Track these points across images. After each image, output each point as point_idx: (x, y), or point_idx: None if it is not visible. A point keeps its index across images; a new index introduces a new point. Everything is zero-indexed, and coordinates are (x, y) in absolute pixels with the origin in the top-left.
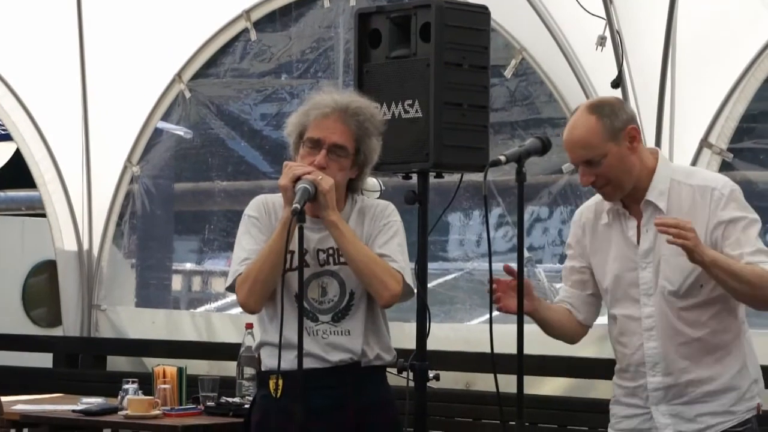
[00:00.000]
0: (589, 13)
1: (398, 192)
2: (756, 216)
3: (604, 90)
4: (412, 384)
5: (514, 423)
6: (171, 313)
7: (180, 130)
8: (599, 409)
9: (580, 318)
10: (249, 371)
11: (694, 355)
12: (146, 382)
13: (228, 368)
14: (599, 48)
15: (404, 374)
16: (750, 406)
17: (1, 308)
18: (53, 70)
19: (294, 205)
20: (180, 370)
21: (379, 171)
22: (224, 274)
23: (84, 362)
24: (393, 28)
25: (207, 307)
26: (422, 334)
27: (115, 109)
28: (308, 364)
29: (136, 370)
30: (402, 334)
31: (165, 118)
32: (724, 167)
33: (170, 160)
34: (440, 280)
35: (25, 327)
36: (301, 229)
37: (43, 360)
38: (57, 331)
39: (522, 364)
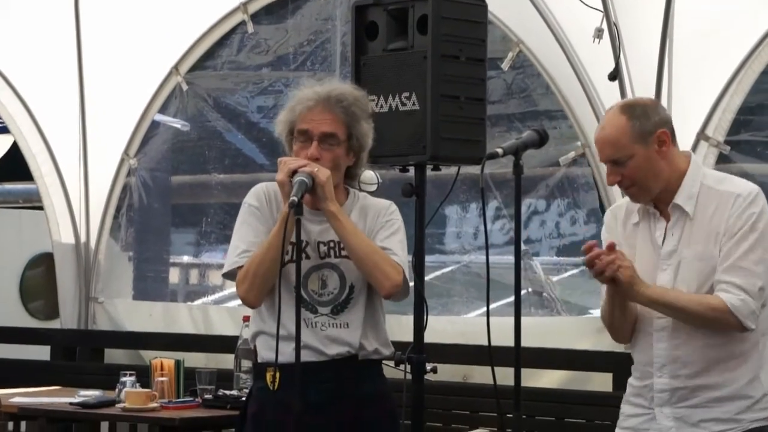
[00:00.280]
0: (586, 5)
1: (395, 185)
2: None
3: (602, 82)
4: (409, 377)
5: (511, 415)
6: (168, 306)
7: (177, 123)
8: (596, 402)
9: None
10: (246, 364)
11: (704, 361)
12: (144, 375)
13: (225, 361)
14: (596, 40)
15: (402, 367)
16: (759, 416)
17: None
18: (50, 62)
19: (291, 198)
20: (177, 363)
21: (376, 164)
22: (221, 266)
23: (81, 355)
24: (390, 21)
25: (204, 299)
26: (419, 327)
27: (112, 102)
28: (306, 357)
29: (134, 363)
30: (399, 326)
31: (162, 110)
32: (721, 160)
33: (167, 152)
34: (437, 273)
35: (22, 319)
36: (298, 222)
37: (41, 352)
38: (54, 324)
39: (519, 356)
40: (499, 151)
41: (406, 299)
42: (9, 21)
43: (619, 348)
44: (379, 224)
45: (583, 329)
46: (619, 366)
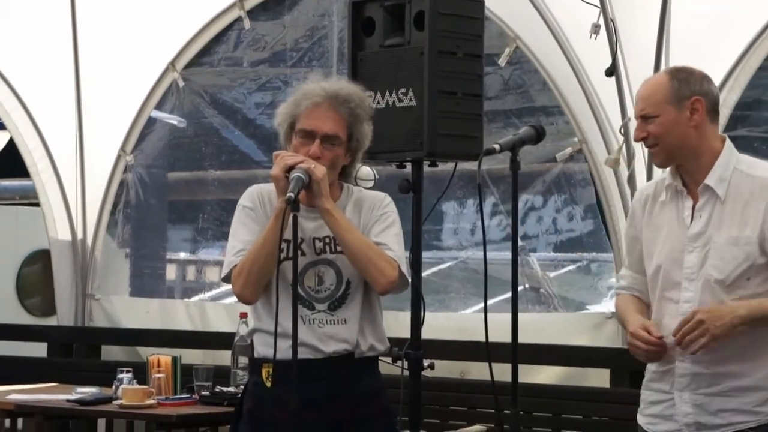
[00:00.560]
0: (583, 0)
1: (392, 181)
2: None
3: (599, 78)
4: (406, 373)
5: (508, 412)
6: (165, 303)
7: (173, 119)
8: (594, 398)
9: (648, 301)
10: (243, 360)
11: (728, 348)
12: (141, 372)
13: (222, 357)
14: (593, 36)
15: (399, 363)
16: None
17: None
18: (46, 58)
19: (288, 195)
20: (174, 360)
21: (373, 160)
22: (218, 263)
23: (78, 352)
24: (387, 17)
25: (201, 296)
26: (417, 323)
27: (108, 98)
28: (303, 354)
29: (131, 360)
30: (396, 323)
31: (158, 107)
32: None
33: (164, 149)
34: (435, 269)
35: (19, 316)
36: (295, 218)
37: (38, 349)
38: (51, 321)
39: (516, 352)
40: (496, 147)
41: (404, 295)
42: (5, 18)
43: (616, 344)
44: (373, 218)
45: (580, 325)
46: (616, 362)
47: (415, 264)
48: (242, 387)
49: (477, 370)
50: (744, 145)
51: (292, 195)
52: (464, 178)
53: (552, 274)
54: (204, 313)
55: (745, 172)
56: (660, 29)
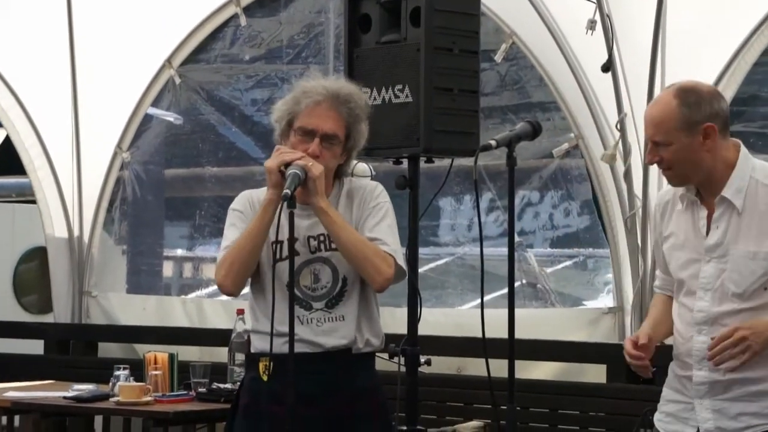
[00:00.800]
0: None
1: (389, 177)
2: None
3: (595, 74)
4: (403, 369)
5: (505, 407)
6: (162, 300)
7: (170, 116)
8: (590, 393)
9: None
10: (240, 357)
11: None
12: (137, 369)
13: (219, 354)
14: (589, 32)
15: (396, 359)
16: None
17: None
18: (43, 56)
19: (285, 191)
20: (171, 357)
21: (370, 156)
22: (215, 260)
23: (75, 349)
24: (383, 13)
25: (198, 293)
26: (413, 319)
27: (104, 95)
28: (300, 348)
29: (128, 357)
30: (393, 319)
31: (155, 104)
32: None
33: (160, 146)
34: (431, 265)
35: (15, 314)
36: (291, 215)
37: (34, 347)
38: (48, 318)
39: (513, 348)
40: (493, 143)
41: (401, 291)
42: (2, 16)
43: (612, 339)
44: (366, 211)
45: (577, 321)
46: (612, 357)
47: (412, 260)
48: (239, 384)
49: (474, 366)
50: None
51: (288, 191)
52: (461, 174)
53: (548, 270)
54: (201, 310)
55: (762, 181)
56: (656, 25)
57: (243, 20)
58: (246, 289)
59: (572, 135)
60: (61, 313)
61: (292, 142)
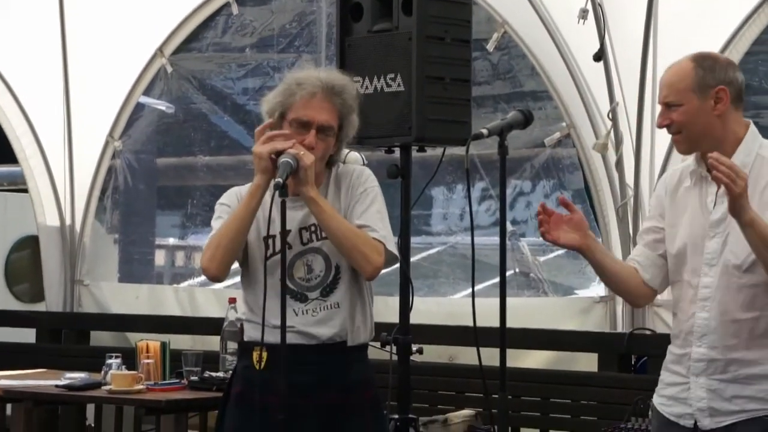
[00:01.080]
0: None
1: (381, 166)
2: None
3: (587, 63)
4: (395, 358)
5: (497, 396)
6: (154, 288)
7: (162, 105)
8: (582, 382)
9: (646, 277)
10: (232, 346)
11: (744, 335)
12: (129, 357)
13: (211, 343)
14: (581, 21)
15: (387, 348)
16: None
17: None
18: (34, 44)
19: (277, 180)
20: (163, 345)
21: (362, 145)
22: None
23: (67, 337)
24: (375, 2)
25: (190, 282)
26: (405, 309)
27: (96, 84)
28: (296, 340)
29: (120, 345)
30: (385, 307)
31: (147, 92)
32: None
33: (152, 134)
34: (424, 254)
35: (7, 302)
36: (283, 204)
37: (26, 335)
38: (40, 307)
39: (505, 337)
40: (484, 131)
41: (393, 280)
42: None
43: (604, 328)
44: (354, 198)
45: (569, 310)
46: (604, 346)
47: (404, 249)
48: (231, 372)
49: (466, 355)
50: None
51: (280, 180)
52: (453, 164)
53: (541, 259)
54: (193, 299)
55: (767, 158)
56: (648, 14)
57: (235, 9)
58: (236, 279)
59: (564, 124)
60: (53, 301)
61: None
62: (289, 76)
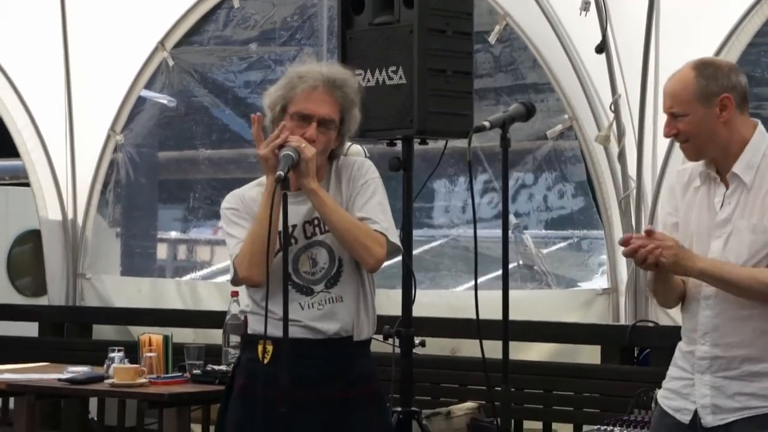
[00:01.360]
0: None
1: (383, 159)
2: None
3: (589, 55)
4: (398, 350)
5: (499, 388)
6: (156, 282)
7: (163, 99)
8: (584, 375)
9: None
10: (235, 339)
11: (747, 332)
12: (132, 351)
13: (214, 336)
14: (583, 13)
15: (390, 341)
16: None
17: None
18: (35, 37)
19: (278, 173)
20: (166, 339)
21: (364, 138)
22: (209, 242)
23: (69, 331)
24: None
25: (192, 275)
26: (408, 301)
27: (98, 78)
28: (302, 334)
29: (122, 339)
30: (388, 300)
31: (148, 86)
32: None
33: (154, 128)
34: (426, 247)
35: (10, 296)
36: (285, 197)
37: (29, 329)
38: (42, 301)
39: (507, 329)
40: (486, 124)
41: (395, 273)
42: None
43: (607, 320)
44: (355, 190)
45: (571, 302)
46: (607, 338)
47: (407, 242)
48: (234, 364)
49: (468, 348)
50: None
51: (281, 173)
52: (455, 156)
53: (544, 251)
54: (195, 292)
55: None
56: (650, 6)
57: (236, 2)
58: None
59: (566, 116)
60: (55, 295)
61: (289, 127)
62: (291, 69)
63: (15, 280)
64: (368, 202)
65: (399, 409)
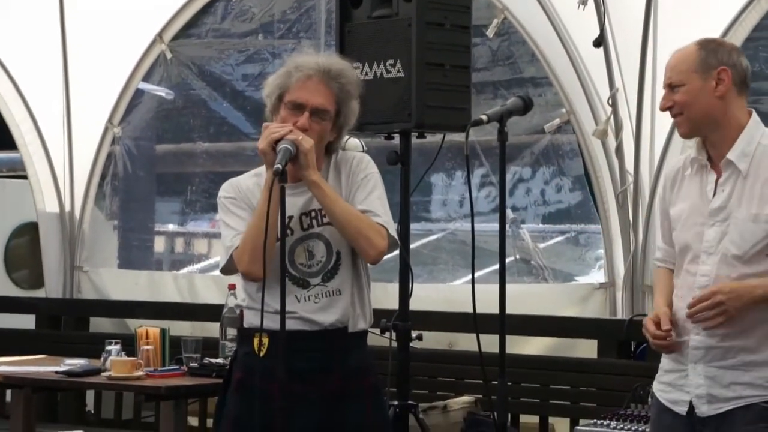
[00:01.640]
0: None
1: (381, 152)
2: None
3: (587, 49)
4: (395, 344)
5: (496, 382)
6: (153, 275)
7: (161, 91)
8: (581, 369)
9: None
10: (232, 332)
11: (742, 322)
12: (129, 344)
13: (211, 329)
14: (581, 7)
15: (387, 334)
16: None
17: None
18: (33, 30)
19: (276, 166)
20: (163, 332)
21: (362, 131)
22: (207, 235)
23: (67, 324)
24: None
25: (190, 268)
26: (405, 295)
27: (95, 70)
28: (297, 326)
29: (119, 332)
30: (385, 294)
31: (146, 78)
32: None
33: (152, 121)
34: (423, 241)
35: (7, 289)
36: (282, 189)
37: (26, 322)
38: (39, 293)
39: (504, 323)
40: (484, 117)
41: (392, 267)
42: None
43: (603, 315)
44: (355, 184)
45: (568, 296)
46: (603, 333)
47: (404, 236)
48: (231, 358)
49: (465, 341)
50: None
51: (279, 166)
52: (453, 150)
53: (541, 246)
54: (192, 285)
55: None
56: (648, 0)
57: None
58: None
59: (564, 110)
60: (52, 288)
61: (282, 115)
62: (290, 59)
63: (12, 273)
64: (369, 196)
65: (396, 402)
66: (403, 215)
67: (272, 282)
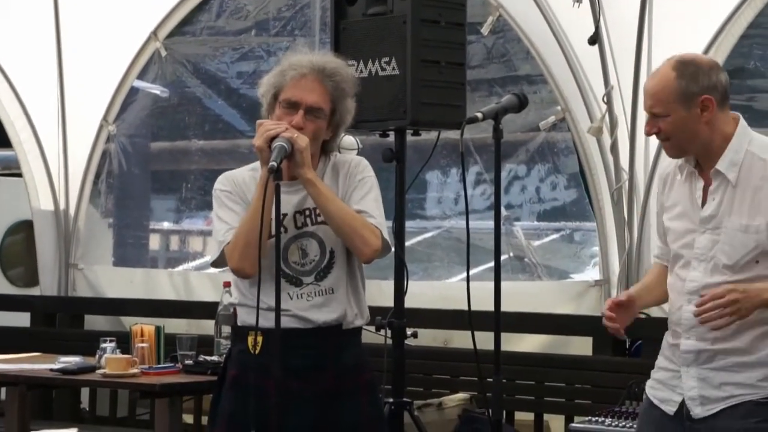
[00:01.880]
0: None
1: (376, 150)
2: None
3: (582, 47)
4: (390, 341)
5: (491, 379)
6: (149, 272)
7: (156, 89)
8: (576, 366)
9: None
10: (227, 330)
11: (733, 326)
12: (124, 341)
13: (206, 327)
14: (576, 5)
15: (382, 332)
16: None
17: None
18: (28, 28)
19: (271, 164)
20: (158, 329)
21: (357, 129)
22: (202, 233)
23: (61, 321)
24: None
25: (185, 266)
26: (400, 292)
27: (90, 68)
28: (291, 324)
29: (114, 329)
30: (380, 292)
31: (141, 76)
32: None
33: (146, 118)
34: (418, 238)
35: (1, 287)
36: (278, 187)
37: (21, 319)
38: (34, 291)
39: (499, 321)
40: (479, 115)
41: (387, 264)
42: None
43: (598, 312)
44: (352, 185)
45: (564, 294)
46: (598, 330)
47: (399, 233)
48: (225, 355)
49: (460, 339)
50: None
51: (274, 164)
52: (448, 147)
53: (535, 243)
54: (187, 283)
55: (758, 155)
56: None
57: None
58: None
59: (559, 108)
60: (47, 285)
61: (277, 114)
62: (284, 58)
63: (7, 271)
64: (365, 198)
65: (391, 400)
66: (398, 213)
67: (264, 279)
